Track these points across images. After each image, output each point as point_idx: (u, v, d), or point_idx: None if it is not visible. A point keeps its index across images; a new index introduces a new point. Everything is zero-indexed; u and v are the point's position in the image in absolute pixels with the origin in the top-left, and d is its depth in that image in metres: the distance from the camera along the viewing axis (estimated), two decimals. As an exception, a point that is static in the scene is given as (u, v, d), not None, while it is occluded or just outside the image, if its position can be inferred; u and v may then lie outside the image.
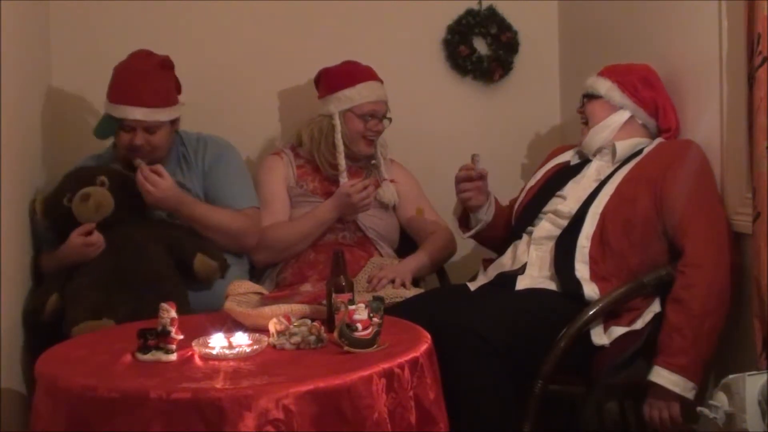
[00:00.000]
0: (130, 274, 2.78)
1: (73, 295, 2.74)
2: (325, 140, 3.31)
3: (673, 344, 2.65)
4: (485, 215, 3.09)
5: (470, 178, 3.03)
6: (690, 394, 2.64)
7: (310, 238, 3.26)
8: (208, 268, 2.89)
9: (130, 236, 2.85)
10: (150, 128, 2.96)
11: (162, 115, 2.97)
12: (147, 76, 2.96)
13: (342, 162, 3.28)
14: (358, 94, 3.30)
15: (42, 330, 2.71)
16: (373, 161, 3.35)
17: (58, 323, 2.68)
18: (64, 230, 2.84)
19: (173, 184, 2.92)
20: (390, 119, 3.36)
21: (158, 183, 2.88)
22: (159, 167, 2.91)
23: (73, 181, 2.91)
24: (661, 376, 2.65)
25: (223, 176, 3.12)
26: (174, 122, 3.05)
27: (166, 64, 3.01)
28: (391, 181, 3.40)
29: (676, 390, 2.63)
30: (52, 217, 2.88)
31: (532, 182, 3.11)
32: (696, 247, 2.70)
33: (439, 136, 3.76)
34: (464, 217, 3.19)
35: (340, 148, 3.28)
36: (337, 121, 3.29)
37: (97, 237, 2.81)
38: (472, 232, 3.12)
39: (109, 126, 2.98)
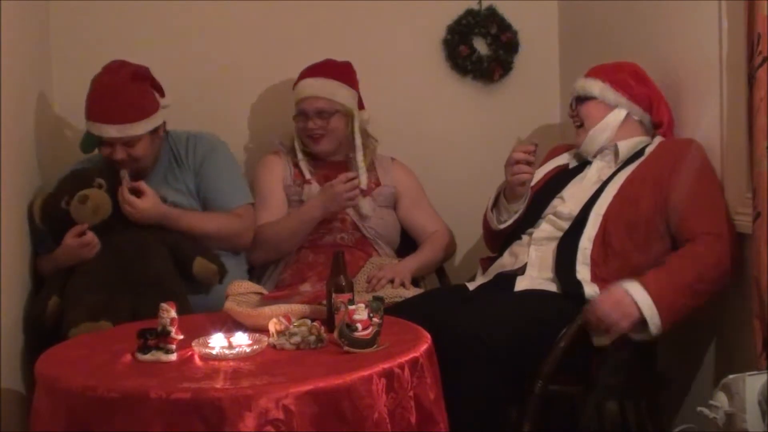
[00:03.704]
0: (131, 274, 2.78)
1: (72, 297, 2.74)
2: (296, 141, 3.37)
3: (659, 277, 2.64)
4: (523, 203, 2.99)
5: (529, 162, 2.91)
6: (651, 328, 2.60)
7: (298, 235, 3.23)
8: (207, 271, 2.89)
9: (131, 236, 2.86)
10: (129, 142, 2.94)
11: (138, 128, 2.93)
12: (119, 92, 2.91)
13: (303, 165, 3.32)
14: (295, 94, 3.33)
15: (44, 335, 2.70)
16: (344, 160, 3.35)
17: (59, 327, 2.68)
18: (63, 233, 2.83)
19: (152, 203, 2.89)
20: (330, 114, 3.27)
21: (136, 204, 2.86)
22: (141, 184, 2.90)
23: (70, 184, 2.89)
24: (634, 287, 2.61)
25: (214, 175, 3.10)
26: (156, 130, 3.02)
27: (138, 75, 2.96)
28: (365, 194, 3.30)
29: (643, 309, 2.59)
30: (50, 221, 2.86)
31: (532, 182, 3.11)
32: (700, 239, 2.70)
33: (439, 135, 3.76)
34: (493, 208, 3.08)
35: (298, 149, 3.34)
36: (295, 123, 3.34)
37: (91, 237, 2.80)
38: (510, 221, 3.00)
39: (91, 140, 2.97)
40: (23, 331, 2.79)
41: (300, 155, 3.34)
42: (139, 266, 2.80)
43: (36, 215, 2.87)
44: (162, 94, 3.05)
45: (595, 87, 2.98)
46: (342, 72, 3.34)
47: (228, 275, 2.93)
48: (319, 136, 3.30)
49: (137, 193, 2.88)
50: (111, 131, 2.91)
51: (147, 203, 2.87)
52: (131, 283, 2.77)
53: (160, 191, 2.98)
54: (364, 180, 3.29)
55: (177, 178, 3.10)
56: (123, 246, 2.83)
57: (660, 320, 2.60)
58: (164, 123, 3.06)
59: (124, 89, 2.92)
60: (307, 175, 3.32)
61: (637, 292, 2.60)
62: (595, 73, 3.02)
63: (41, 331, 2.75)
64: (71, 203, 2.82)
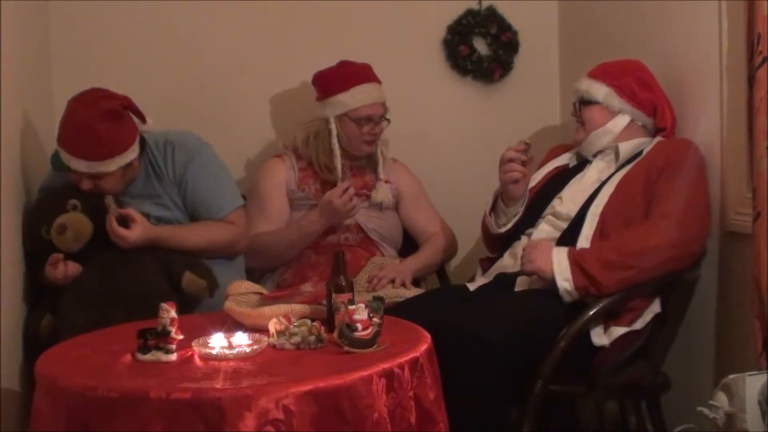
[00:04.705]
0: (121, 291, 2.72)
1: (63, 316, 2.69)
2: (322, 144, 3.30)
3: (588, 249, 2.71)
4: (521, 206, 2.98)
5: (522, 161, 2.91)
6: (558, 281, 2.66)
7: (297, 247, 3.25)
8: (196, 286, 2.81)
9: (120, 252, 2.78)
10: (97, 176, 2.81)
11: (108, 166, 2.80)
12: (90, 129, 2.75)
13: (338, 166, 3.27)
14: (351, 99, 3.26)
15: (39, 351, 2.66)
16: (344, 163, 3.32)
17: (55, 342, 2.63)
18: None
19: (142, 231, 2.77)
20: (388, 120, 3.35)
21: (127, 238, 2.75)
22: (131, 212, 2.79)
23: (45, 210, 2.81)
24: (560, 249, 2.70)
25: (199, 184, 2.98)
26: (130, 163, 2.87)
27: (114, 113, 2.79)
28: (386, 181, 3.38)
29: (555, 266, 2.67)
30: (37, 249, 2.81)
31: (532, 183, 3.10)
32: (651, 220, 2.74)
33: (439, 136, 3.76)
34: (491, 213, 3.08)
35: (337, 152, 3.27)
36: (333, 126, 3.28)
37: (62, 271, 2.74)
38: (510, 225, 2.99)
39: (61, 162, 2.83)
40: (22, 336, 2.78)
41: (338, 160, 3.27)
42: (129, 283, 2.73)
43: (24, 240, 2.83)
44: (143, 121, 2.89)
45: (600, 92, 2.95)
46: (375, 74, 3.35)
47: (222, 282, 2.88)
48: (374, 139, 3.32)
49: (125, 221, 2.78)
50: (79, 165, 2.78)
51: (137, 232, 2.77)
52: (122, 300, 2.71)
53: (141, 208, 2.88)
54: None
55: (157, 191, 2.97)
56: (113, 263, 2.77)
57: (571, 276, 2.66)
58: (142, 147, 2.92)
59: (96, 126, 2.76)
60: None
61: (559, 251, 2.70)
62: (600, 75, 2.99)
63: (35, 348, 2.70)
64: (51, 233, 2.76)
